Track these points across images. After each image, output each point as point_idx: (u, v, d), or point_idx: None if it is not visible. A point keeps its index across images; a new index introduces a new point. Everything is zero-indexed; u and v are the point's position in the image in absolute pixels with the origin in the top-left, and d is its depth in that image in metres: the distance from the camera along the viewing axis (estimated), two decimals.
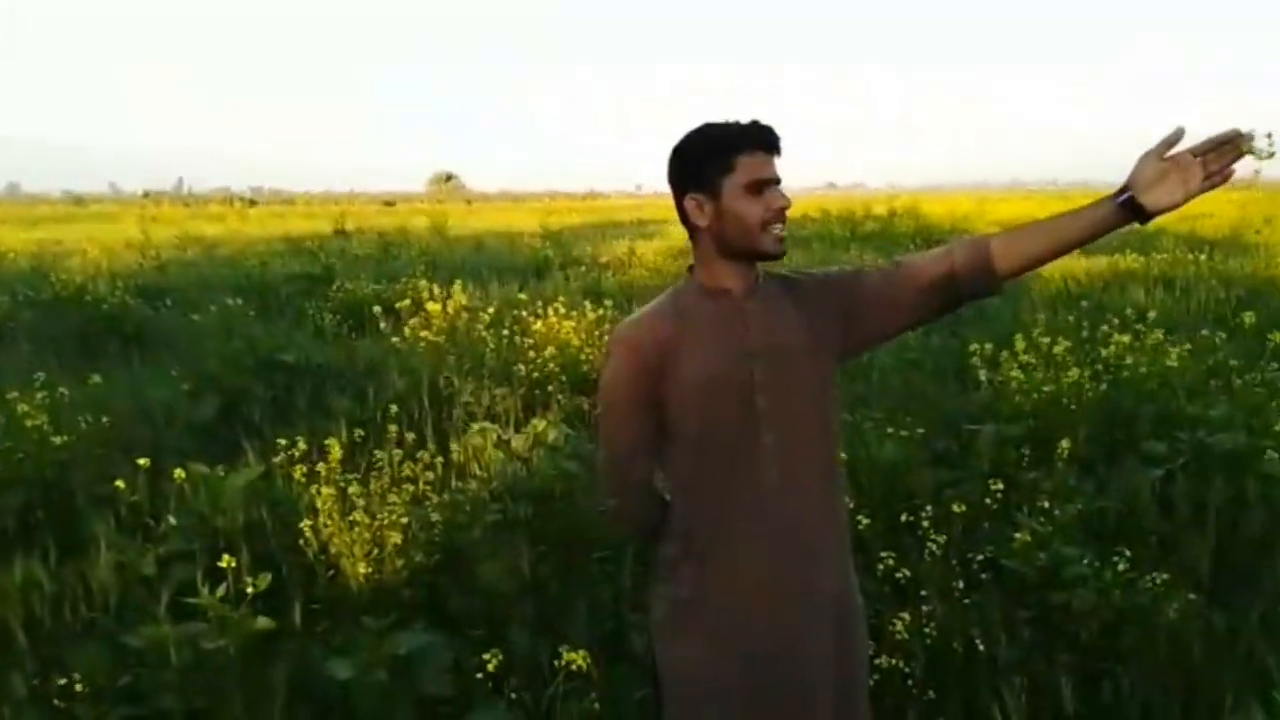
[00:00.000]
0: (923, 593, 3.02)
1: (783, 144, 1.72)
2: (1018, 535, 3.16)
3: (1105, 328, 6.13)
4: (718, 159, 1.69)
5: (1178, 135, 1.55)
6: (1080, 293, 10.20)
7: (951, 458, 4.56)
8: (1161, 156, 1.55)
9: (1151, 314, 6.57)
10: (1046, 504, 3.32)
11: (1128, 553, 3.10)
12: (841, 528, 1.87)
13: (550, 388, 6.32)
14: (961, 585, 3.06)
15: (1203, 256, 12.05)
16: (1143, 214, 1.58)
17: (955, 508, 3.36)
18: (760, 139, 1.70)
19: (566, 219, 27.50)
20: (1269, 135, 1.51)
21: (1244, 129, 1.53)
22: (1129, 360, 5.33)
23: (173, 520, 3.62)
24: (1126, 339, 5.59)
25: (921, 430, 4.63)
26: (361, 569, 3.22)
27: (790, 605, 1.76)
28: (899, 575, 3.07)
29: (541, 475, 4.69)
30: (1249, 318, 6.36)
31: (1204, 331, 6.15)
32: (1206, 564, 3.15)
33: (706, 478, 1.74)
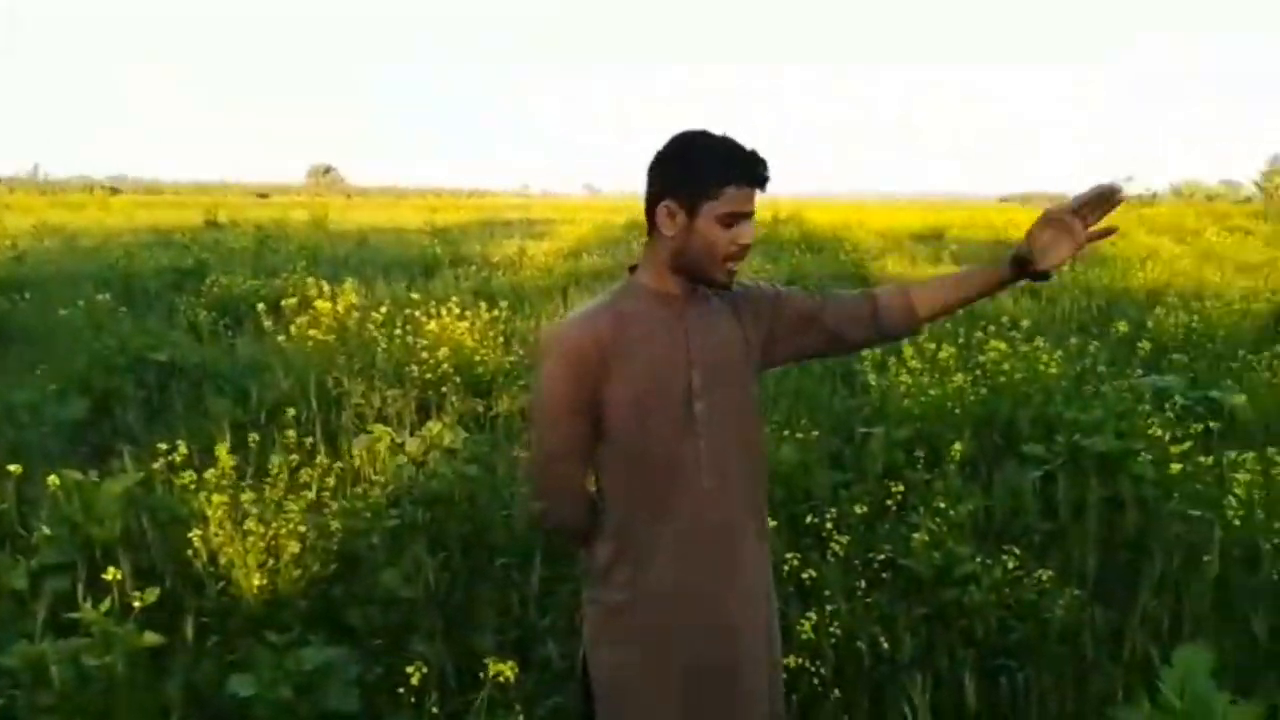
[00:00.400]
0: (826, 593, 3.09)
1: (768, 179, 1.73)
2: (916, 535, 3.27)
3: (980, 334, 6.42)
4: (707, 182, 1.67)
5: (1065, 205, 1.75)
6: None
7: (845, 460, 4.69)
8: (1048, 221, 1.74)
9: (1025, 322, 6.91)
10: (942, 504, 3.44)
11: (1016, 551, 3.25)
12: (766, 531, 1.91)
13: (444, 389, 6.20)
14: (863, 585, 3.15)
15: (1065, 267, 12.76)
16: (1038, 274, 1.77)
17: (857, 509, 3.45)
18: (752, 173, 1.69)
19: (452, 216, 27.07)
20: (1129, 178, 1.70)
21: (1115, 180, 1.78)
22: (1006, 366, 5.60)
23: (45, 530, 3.39)
24: (1003, 346, 5.86)
25: (816, 433, 4.75)
26: (256, 580, 3.08)
27: (725, 609, 1.78)
28: (804, 576, 3.13)
29: (439, 479, 4.61)
30: (1122, 326, 6.76)
31: (1072, 339, 6.50)
32: (1090, 561, 3.32)
33: (643, 482, 1.75)
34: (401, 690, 2.08)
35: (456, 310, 7.34)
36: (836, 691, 2.75)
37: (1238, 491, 3.37)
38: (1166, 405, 4.91)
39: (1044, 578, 3.15)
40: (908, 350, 5.59)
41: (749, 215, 1.71)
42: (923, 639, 2.94)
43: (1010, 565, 3.16)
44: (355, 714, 2.49)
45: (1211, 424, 4.40)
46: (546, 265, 14.22)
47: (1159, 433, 4.15)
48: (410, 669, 2.05)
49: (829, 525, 3.30)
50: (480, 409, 6.32)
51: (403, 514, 4.10)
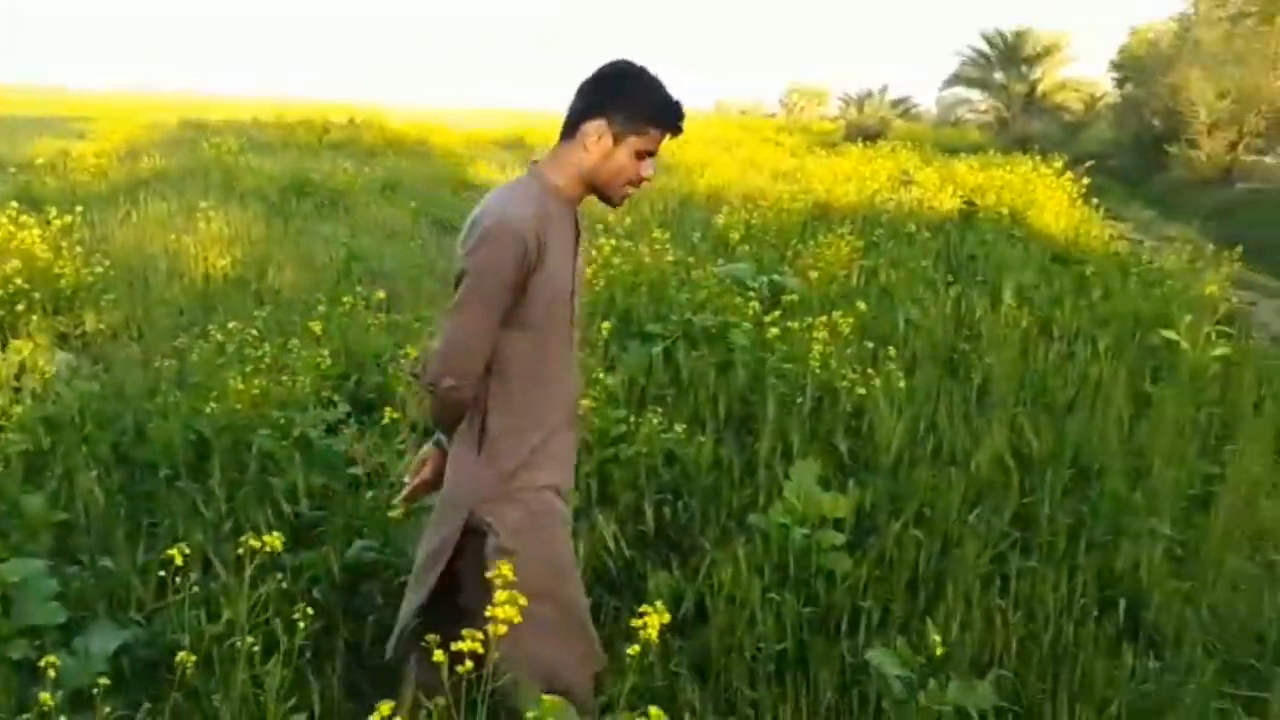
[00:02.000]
0: None
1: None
2: (583, 403, 3.69)
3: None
4: (644, 120, 1.90)
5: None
6: None
7: None
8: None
9: (628, 220, 7.63)
10: (600, 375, 3.90)
11: (659, 410, 3.81)
12: None
13: (20, 307, 5.49)
14: None
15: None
16: None
17: None
18: (678, 122, 1.94)
19: None
20: None
21: None
22: (617, 260, 6.22)
23: None
24: (613, 243, 6.48)
25: None
26: None
27: (572, 476, 2.14)
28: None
29: (55, 401, 4.19)
30: (723, 220, 7.74)
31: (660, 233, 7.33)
32: (720, 412, 4.00)
33: (542, 362, 1.96)
34: (169, 574, 2.05)
35: (20, 216, 6.40)
36: None
37: (816, 349, 4.23)
38: (747, 287, 5.84)
39: (680, 429, 3.73)
40: None
41: (655, 154, 1.96)
42: (597, 487, 3.39)
43: (655, 422, 3.70)
44: (60, 626, 2.37)
45: (782, 299, 5.35)
46: (98, 167, 12.57)
47: (750, 309, 4.97)
48: (173, 551, 2.02)
49: None
50: (67, 328, 5.70)
51: (27, 438, 3.71)
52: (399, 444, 3.42)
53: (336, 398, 4.03)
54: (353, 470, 3.37)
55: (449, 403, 1.96)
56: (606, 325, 4.53)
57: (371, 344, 4.76)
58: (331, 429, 3.72)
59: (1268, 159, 18.17)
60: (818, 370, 4.16)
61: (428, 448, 2.19)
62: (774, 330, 4.40)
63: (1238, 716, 2.54)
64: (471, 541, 1.99)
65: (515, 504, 1.97)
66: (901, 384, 4.15)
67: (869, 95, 37.15)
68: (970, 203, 10.24)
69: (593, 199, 2.04)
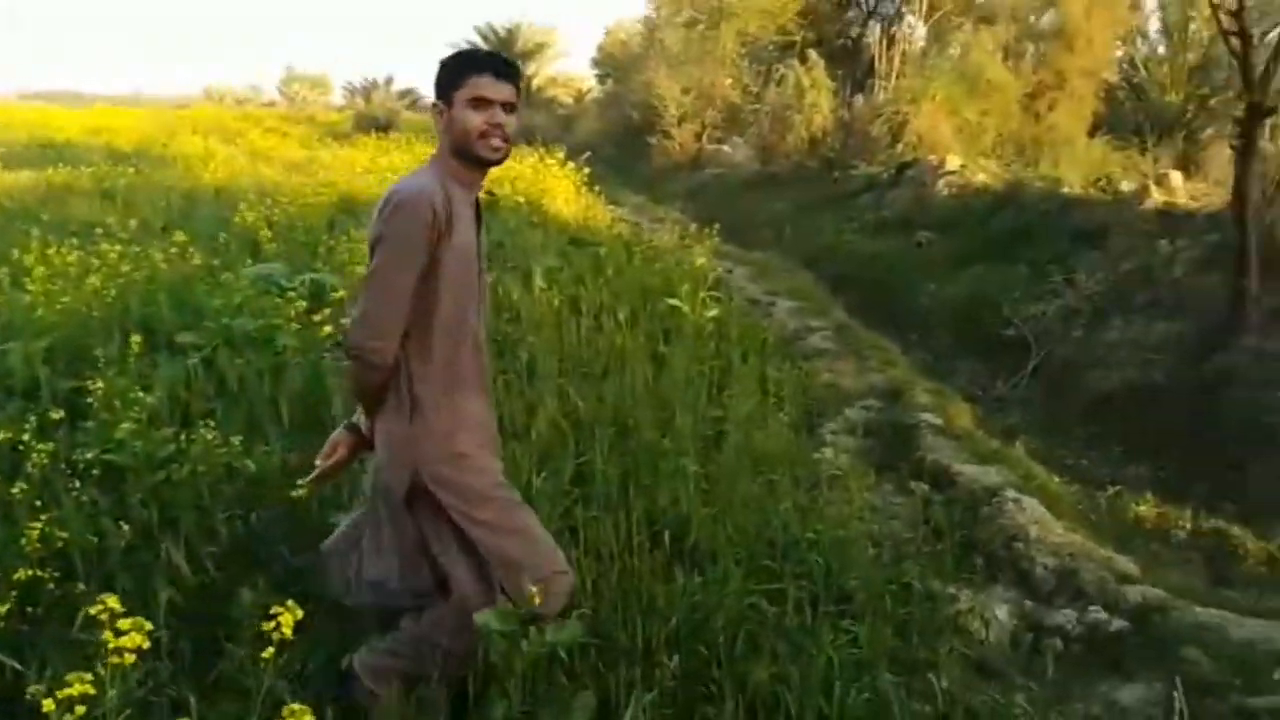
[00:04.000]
0: (83, 498, 3.03)
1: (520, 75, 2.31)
2: (123, 426, 3.35)
3: (74, 240, 6.22)
4: (455, 76, 2.20)
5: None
6: (20, 209, 9.71)
7: None
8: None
9: (132, 222, 6.90)
10: (139, 393, 3.55)
11: (211, 424, 3.59)
12: None
13: None
14: (77, 484, 3.15)
15: (130, 169, 12.60)
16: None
17: (53, 415, 3.36)
18: (489, 65, 2.21)
19: None
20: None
21: None
22: (126, 267, 5.64)
23: None
24: (119, 248, 5.85)
25: None
26: None
27: (494, 426, 2.43)
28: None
29: None
30: (249, 216, 7.27)
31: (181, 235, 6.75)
32: (284, 418, 3.86)
33: (453, 327, 2.20)
34: None
35: None
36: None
37: None
38: (284, 288, 5.63)
39: (237, 441, 3.55)
40: (29, 259, 5.21)
41: (500, 103, 2.18)
42: (156, 513, 3.12)
43: (209, 437, 3.49)
44: None
45: (325, 296, 5.27)
46: None
47: (292, 309, 4.83)
48: None
49: (26, 435, 3.16)
50: None
51: None
52: None
53: None
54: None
55: (372, 366, 2.16)
56: (137, 339, 4.11)
57: None
58: None
59: (725, 148, 21.34)
60: None
61: (339, 431, 2.42)
62: (326, 329, 4.35)
63: (763, 609, 3.12)
64: (418, 500, 2.21)
65: (457, 467, 2.21)
66: None
67: (375, 86, 36.98)
68: (490, 193, 10.77)
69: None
